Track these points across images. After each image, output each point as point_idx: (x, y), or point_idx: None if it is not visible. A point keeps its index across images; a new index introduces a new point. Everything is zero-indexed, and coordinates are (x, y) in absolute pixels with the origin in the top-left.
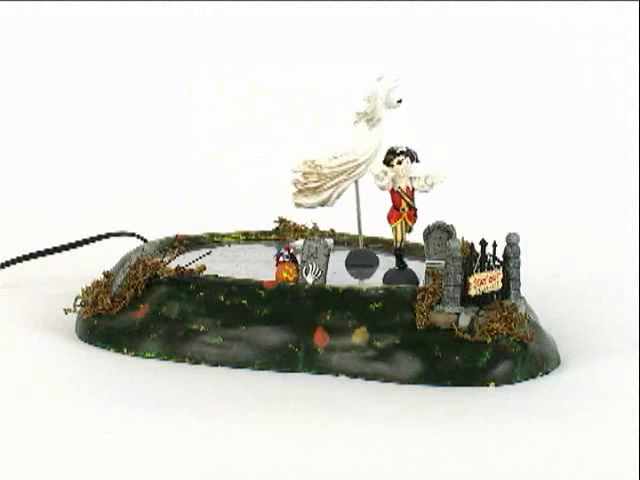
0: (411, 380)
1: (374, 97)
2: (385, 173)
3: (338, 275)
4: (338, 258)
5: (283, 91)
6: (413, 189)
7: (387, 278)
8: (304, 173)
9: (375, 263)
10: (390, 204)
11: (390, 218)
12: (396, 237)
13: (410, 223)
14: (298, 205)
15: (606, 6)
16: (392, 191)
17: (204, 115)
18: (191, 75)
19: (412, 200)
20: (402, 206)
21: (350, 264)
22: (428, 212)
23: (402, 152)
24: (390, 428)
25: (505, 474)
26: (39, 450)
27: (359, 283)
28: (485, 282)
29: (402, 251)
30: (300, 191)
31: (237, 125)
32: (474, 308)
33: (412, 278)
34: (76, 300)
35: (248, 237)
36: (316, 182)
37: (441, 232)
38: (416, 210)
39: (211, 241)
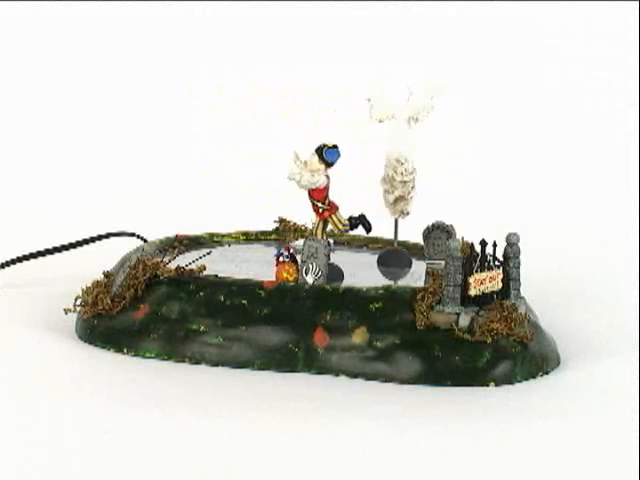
0: (411, 380)
1: (377, 99)
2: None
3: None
4: (340, 259)
5: (283, 91)
6: (325, 188)
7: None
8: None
9: (408, 264)
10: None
11: None
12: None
13: (317, 219)
14: (407, 213)
15: (606, 6)
16: None
17: (204, 115)
18: (191, 75)
19: (312, 197)
20: None
21: (382, 264)
22: (428, 212)
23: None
24: (390, 428)
25: (505, 474)
26: (39, 450)
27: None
28: (485, 282)
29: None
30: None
31: (237, 125)
32: (474, 308)
33: (330, 274)
34: (76, 300)
35: (248, 237)
36: (403, 192)
37: (441, 232)
38: (317, 207)
39: (211, 241)
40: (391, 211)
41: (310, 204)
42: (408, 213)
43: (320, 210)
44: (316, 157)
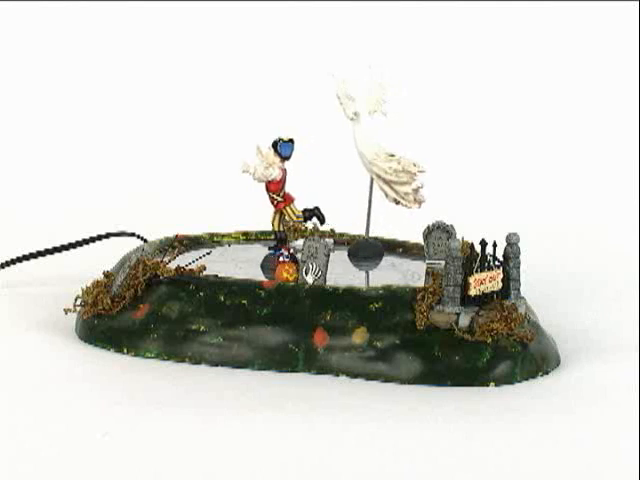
0: (411, 380)
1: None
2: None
3: (339, 275)
4: (340, 259)
5: (283, 90)
6: (280, 180)
7: (263, 262)
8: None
9: (380, 254)
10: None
11: None
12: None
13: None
14: (424, 201)
15: (606, 6)
16: None
17: (204, 115)
18: (191, 75)
19: (268, 189)
20: None
21: (356, 255)
22: (428, 212)
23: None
24: (390, 428)
25: (505, 474)
26: (39, 450)
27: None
28: (485, 282)
29: (278, 235)
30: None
31: (237, 124)
32: (474, 308)
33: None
34: (76, 300)
35: (248, 237)
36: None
37: (441, 232)
38: (273, 199)
39: (211, 241)
40: (407, 202)
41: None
42: (424, 200)
43: (275, 202)
44: (272, 151)
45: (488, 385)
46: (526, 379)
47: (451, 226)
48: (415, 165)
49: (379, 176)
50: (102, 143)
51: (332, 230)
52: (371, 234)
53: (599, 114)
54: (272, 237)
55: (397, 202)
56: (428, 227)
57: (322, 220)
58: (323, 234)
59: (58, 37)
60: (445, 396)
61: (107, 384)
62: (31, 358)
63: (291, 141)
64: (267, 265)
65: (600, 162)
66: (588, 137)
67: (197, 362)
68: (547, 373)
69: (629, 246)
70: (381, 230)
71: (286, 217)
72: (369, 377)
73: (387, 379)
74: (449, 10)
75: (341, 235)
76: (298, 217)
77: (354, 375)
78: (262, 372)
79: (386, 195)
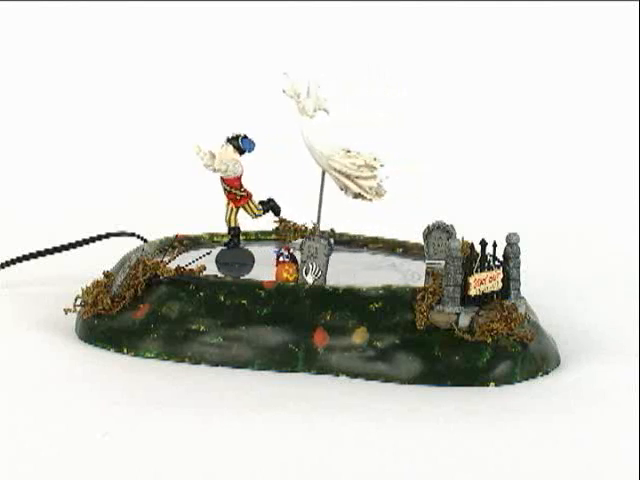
0: (411, 380)
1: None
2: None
3: (340, 275)
4: (340, 259)
5: (283, 90)
6: (241, 176)
7: (217, 257)
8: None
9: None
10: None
11: None
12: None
13: (232, 205)
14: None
15: (606, 6)
16: None
17: (204, 115)
18: (191, 74)
19: (229, 185)
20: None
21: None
22: (428, 212)
23: (228, 139)
24: (390, 428)
25: (505, 474)
26: (39, 450)
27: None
28: (485, 282)
29: (234, 231)
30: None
31: (237, 124)
32: (474, 308)
33: (241, 258)
34: (76, 300)
35: (248, 237)
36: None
37: (441, 232)
38: (235, 195)
39: (211, 241)
40: (371, 195)
41: (223, 191)
42: (385, 193)
43: (237, 197)
44: (231, 147)
45: (488, 385)
46: (526, 379)
47: (451, 226)
48: (376, 159)
49: (339, 171)
50: (102, 143)
51: (332, 230)
52: (370, 233)
53: (599, 114)
54: (271, 237)
55: (357, 196)
56: (428, 227)
57: (277, 212)
58: (323, 234)
59: (57, 37)
60: (445, 396)
61: (107, 384)
62: (31, 358)
63: (246, 136)
64: (221, 261)
65: (600, 162)
66: (588, 137)
67: (197, 362)
68: (547, 373)
69: (629, 246)
70: (381, 230)
71: (244, 212)
72: (369, 377)
73: (387, 379)
74: (448, 9)
75: (341, 235)
76: (259, 211)
77: (354, 375)
78: (262, 372)
79: (346, 190)
